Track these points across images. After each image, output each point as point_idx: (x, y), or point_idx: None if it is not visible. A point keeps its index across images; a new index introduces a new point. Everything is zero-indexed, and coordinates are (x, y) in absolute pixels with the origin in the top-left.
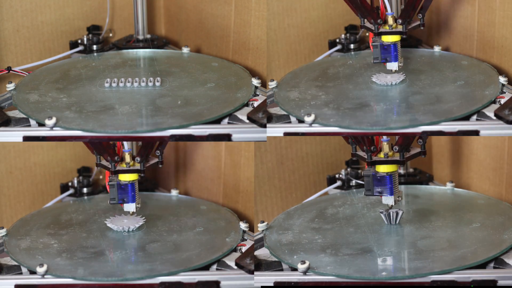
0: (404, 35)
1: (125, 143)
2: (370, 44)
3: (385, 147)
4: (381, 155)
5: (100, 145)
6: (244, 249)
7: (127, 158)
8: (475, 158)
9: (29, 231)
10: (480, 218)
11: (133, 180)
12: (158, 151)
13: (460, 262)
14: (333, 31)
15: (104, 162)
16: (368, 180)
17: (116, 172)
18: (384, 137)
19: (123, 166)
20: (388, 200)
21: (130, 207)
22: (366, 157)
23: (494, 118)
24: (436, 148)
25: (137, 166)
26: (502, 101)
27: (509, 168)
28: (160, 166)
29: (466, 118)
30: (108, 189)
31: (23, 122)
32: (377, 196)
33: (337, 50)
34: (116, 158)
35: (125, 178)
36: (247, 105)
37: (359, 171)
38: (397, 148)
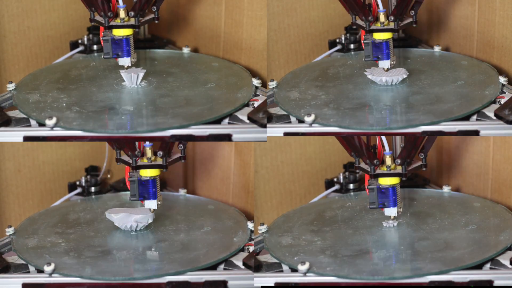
0: (395, 32)
1: None
2: (362, 41)
3: (388, 160)
4: (384, 168)
5: (120, 139)
6: (251, 249)
7: (149, 153)
8: (458, 165)
9: (37, 230)
10: (477, 220)
11: (154, 176)
12: (181, 145)
13: (457, 263)
14: (333, 31)
15: (124, 157)
16: (373, 193)
17: (137, 168)
18: (387, 149)
19: (145, 161)
20: (391, 211)
21: (151, 204)
22: (369, 170)
23: (494, 118)
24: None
25: (159, 161)
26: (502, 101)
27: (494, 174)
28: (183, 161)
29: (466, 118)
30: (128, 185)
31: (24, 122)
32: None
33: (337, 50)
34: (137, 152)
35: (146, 173)
36: (247, 105)
37: (357, 175)
38: (399, 161)
